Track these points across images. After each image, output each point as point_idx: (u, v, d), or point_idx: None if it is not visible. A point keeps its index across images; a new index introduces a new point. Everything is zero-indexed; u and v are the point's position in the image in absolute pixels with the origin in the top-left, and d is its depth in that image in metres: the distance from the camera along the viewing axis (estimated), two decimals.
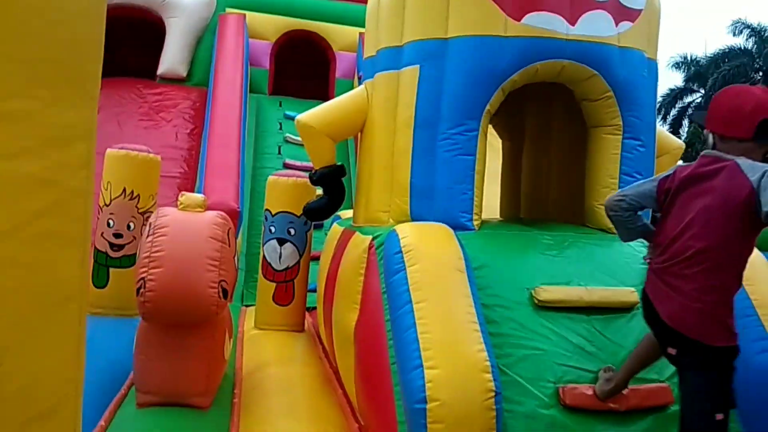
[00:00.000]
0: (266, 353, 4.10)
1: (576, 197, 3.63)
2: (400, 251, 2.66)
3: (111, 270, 4.18)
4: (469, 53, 3.07)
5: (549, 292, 2.78)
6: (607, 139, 3.25)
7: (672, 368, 2.72)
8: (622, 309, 2.85)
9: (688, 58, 35.39)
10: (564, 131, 3.87)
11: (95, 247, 4.29)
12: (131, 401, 2.96)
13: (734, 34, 31.46)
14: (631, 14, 3.14)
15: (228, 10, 8.35)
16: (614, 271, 2.97)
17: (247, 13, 8.37)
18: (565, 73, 3.11)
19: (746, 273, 2.82)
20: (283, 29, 8.63)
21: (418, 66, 3.20)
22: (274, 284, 4.59)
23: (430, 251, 2.68)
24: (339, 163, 3.78)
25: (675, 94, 36.23)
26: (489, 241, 3.06)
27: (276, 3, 8.60)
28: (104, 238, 4.23)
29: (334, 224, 4.39)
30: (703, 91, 34.75)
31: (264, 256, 4.63)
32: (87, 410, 2.94)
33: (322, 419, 3.12)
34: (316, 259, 4.55)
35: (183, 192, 2.97)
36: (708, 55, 34.73)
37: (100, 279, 4.26)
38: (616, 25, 3.09)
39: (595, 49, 3.05)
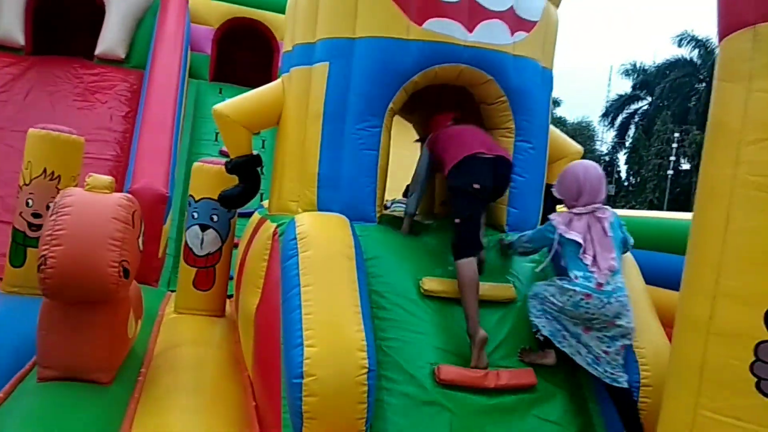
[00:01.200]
0: (181, 335, 4.19)
1: None
2: (295, 238, 2.83)
3: (28, 250, 4.20)
4: (373, 53, 3.25)
5: (435, 283, 3.00)
6: (502, 141, 3.48)
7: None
8: (501, 302, 3.10)
9: (637, 67, 36.62)
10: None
11: (14, 227, 4.31)
12: (34, 377, 3.03)
13: (679, 45, 32.70)
14: (526, 25, 3.37)
15: None
16: (497, 267, 3.22)
17: None
18: (462, 76, 3.32)
19: None
20: (226, 15, 8.65)
21: (328, 63, 3.36)
22: (195, 269, 4.67)
23: (322, 239, 2.86)
24: (255, 153, 3.90)
25: (623, 101, 37.42)
26: (387, 233, 3.26)
27: None
28: (23, 217, 4.26)
29: (255, 212, 4.52)
30: (650, 99, 36.04)
31: (186, 242, 4.71)
32: None
33: (223, 397, 3.25)
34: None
35: (90, 173, 3.04)
36: (656, 64, 36.00)
37: (17, 258, 4.28)
38: (512, 34, 3.32)
39: (490, 55, 3.28)
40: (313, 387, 2.42)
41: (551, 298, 2.94)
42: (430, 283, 3.00)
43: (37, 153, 4.25)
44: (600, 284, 2.83)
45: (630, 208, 30.13)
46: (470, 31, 3.22)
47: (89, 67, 7.70)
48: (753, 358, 1.85)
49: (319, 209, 3.35)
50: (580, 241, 2.90)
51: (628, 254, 3.34)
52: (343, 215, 3.13)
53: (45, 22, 7.99)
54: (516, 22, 3.33)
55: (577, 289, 2.84)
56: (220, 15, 8.63)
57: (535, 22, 3.40)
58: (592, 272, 2.86)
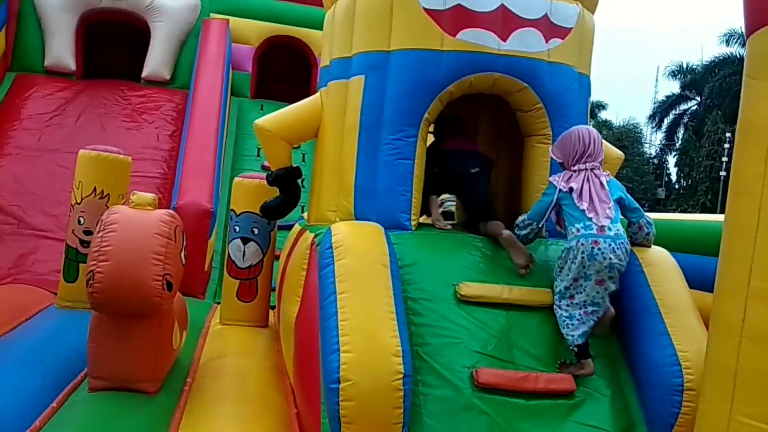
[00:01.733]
0: (226, 346, 4.29)
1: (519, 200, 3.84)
2: (331, 247, 2.88)
3: (80, 265, 4.38)
4: (408, 65, 3.30)
5: (471, 288, 3.00)
6: (538, 147, 3.47)
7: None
8: (539, 307, 3.07)
9: (684, 67, 35.67)
10: (511, 138, 4.09)
11: (66, 243, 4.51)
12: (86, 387, 3.17)
13: (727, 44, 31.73)
14: (561, 32, 3.36)
15: (212, 15, 8.58)
16: (535, 272, 3.19)
17: (231, 18, 8.60)
18: (497, 85, 3.33)
19: (653, 274, 3.06)
20: (265, 34, 8.88)
21: (364, 76, 3.43)
22: (238, 281, 4.78)
23: (357, 247, 2.90)
24: (295, 165, 3.99)
25: (671, 102, 36.48)
26: (422, 240, 3.27)
27: (259, 9, 8.84)
28: (75, 234, 4.45)
29: (296, 224, 4.61)
30: (699, 99, 35.04)
31: (228, 254, 4.83)
32: (51, 397, 3.17)
33: (266, 405, 3.31)
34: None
35: (135, 191, 3.17)
36: (704, 63, 34.99)
37: (70, 274, 4.48)
38: (546, 41, 3.31)
39: (524, 63, 3.28)
40: (350, 392, 2.45)
41: (564, 283, 2.98)
42: (467, 289, 3.00)
43: (88, 173, 4.45)
44: (602, 228, 2.90)
45: (682, 211, 29.28)
46: (504, 40, 3.23)
47: (136, 89, 8.04)
48: None
49: (356, 219, 3.40)
50: (577, 189, 3.00)
51: (669, 256, 3.27)
52: (380, 224, 3.17)
53: (94, 47, 8.37)
54: (550, 29, 3.32)
55: (582, 240, 2.90)
56: (260, 34, 8.86)
57: (570, 29, 3.39)
58: (590, 219, 2.93)
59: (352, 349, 2.52)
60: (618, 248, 2.91)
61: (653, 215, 6.15)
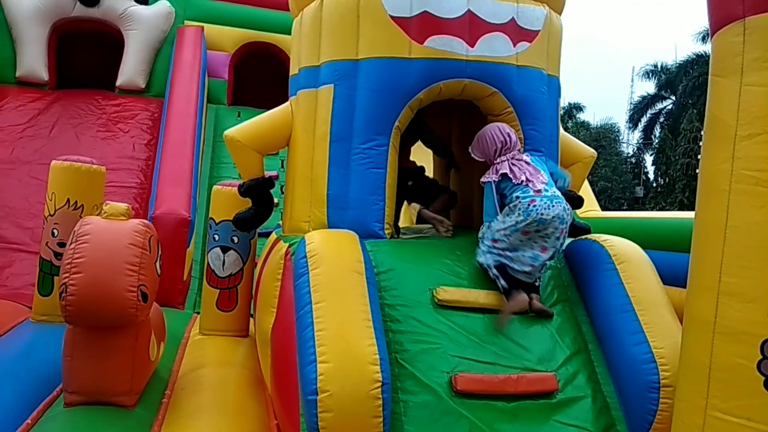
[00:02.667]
0: (205, 356, 4.26)
1: None
2: (305, 256, 2.88)
3: (55, 278, 4.32)
4: (377, 73, 3.32)
5: (448, 293, 3.03)
6: None
7: (559, 360, 2.98)
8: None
9: (659, 66, 36.15)
10: None
11: (40, 256, 4.45)
12: (62, 402, 3.13)
13: (703, 41, 32.21)
14: (528, 35, 3.39)
15: (187, 22, 8.52)
16: None
17: (206, 25, 8.56)
18: (467, 90, 3.36)
19: (626, 271, 3.11)
20: (241, 41, 8.86)
21: (333, 85, 3.43)
22: (218, 290, 4.75)
23: (332, 256, 2.90)
24: (267, 176, 3.97)
25: (646, 102, 36.94)
26: (398, 247, 3.29)
27: (234, 16, 8.82)
28: (49, 247, 4.39)
29: (272, 233, 4.59)
30: (674, 98, 35.55)
31: (208, 263, 4.80)
32: (26, 413, 3.12)
33: (246, 416, 3.30)
34: None
35: (107, 201, 3.14)
36: (677, 62, 35.50)
37: (45, 287, 4.42)
38: (514, 45, 3.35)
39: (493, 68, 3.31)
40: (328, 403, 2.45)
41: (499, 233, 3.17)
42: (444, 293, 3.02)
43: (61, 184, 4.39)
44: (538, 191, 3.13)
45: (660, 209, 29.61)
46: (472, 45, 3.26)
47: (111, 98, 7.96)
48: (760, 357, 1.83)
49: (330, 228, 3.40)
50: (508, 171, 3.21)
51: (642, 252, 3.32)
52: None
53: (67, 56, 8.27)
54: (518, 33, 3.36)
55: (521, 200, 3.11)
56: (235, 41, 8.84)
57: (537, 32, 3.42)
58: (527, 187, 3.15)
59: (329, 359, 2.52)
60: (554, 206, 3.11)
61: (631, 213, 6.22)
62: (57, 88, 7.97)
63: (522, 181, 3.16)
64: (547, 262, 3.20)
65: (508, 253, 3.13)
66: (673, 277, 3.66)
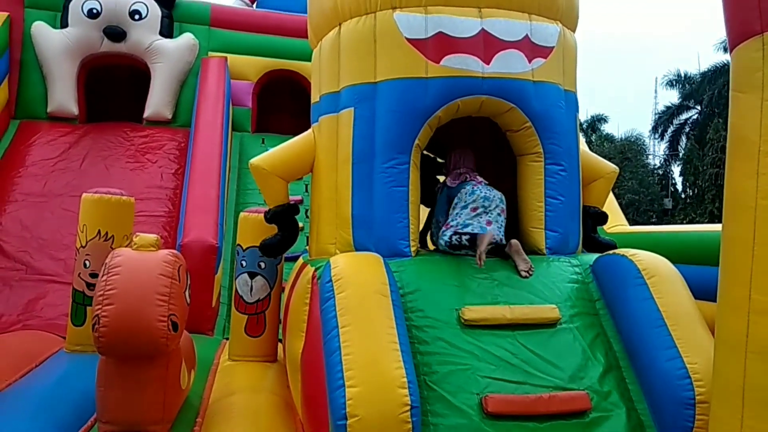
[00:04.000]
0: (235, 383, 4.28)
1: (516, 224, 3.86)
2: (331, 280, 2.90)
3: (88, 309, 4.40)
4: (395, 94, 3.37)
5: (474, 312, 3.01)
6: (532, 165, 3.51)
7: (591, 377, 2.93)
8: (545, 324, 3.07)
9: (682, 76, 35.71)
10: (506, 158, 4.13)
11: (73, 287, 4.54)
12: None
13: (724, 51, 31.80)
14: (543, 51, 3.41)
15: (210, 53, 8.72)
16: (539, 290, 3.20)
17: (229, 55, 8.74)
18: (485, 107, 3.38)
19: (656, 285, 3.06)
20: (263, 69, 9.00)
21: (353, 108, 3.49)
22: (246, 316, 4.79)
23: (357, 279, 2.92)
24: (291, 202, 4.02)
25: (671, 112, 36.47)
26: (423, 266, 3.29)
27: (256, 45, 8.98)
28: (81, 278, 4.48)
29: (300, 257, 4.63)
30: (699, 108, 35.03)
31: (236, 290, 4.85)
32: None
33: None
34: None
35: (138, 233, 3.21)
36: (701, 71, 35.03)
37: (78, 318, 4.50)
38: (529, 62, 3.37)
39: (510, 84, 3.34)
40: (357, 427, 2.45)
41: (450, 218, 3.57)
42: (470, 313, 3.01)
43: (92, 216, 4.49)
44: (481, 182, 3.66)
45: (690, 221, 29.08)
46: (487, 63, 3.29)
47: (139, 129, 8.15)
48: None
49: (355, 249, 3.43)
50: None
51: (671, 265, 3.27)
52: (379, 253, 3.18)
53: (95, 90, 8.51)
54: (532, 49, 3.38)
55: (468, 188, 3.59)
56: (258, 69, 8.99)
57: (551, 48, 3.44)
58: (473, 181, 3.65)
59: (358, 383, 2.52)
60: (493, 191, 3.57)
61: (659, 228, 6.13)
62: (87, 121, 8.20)
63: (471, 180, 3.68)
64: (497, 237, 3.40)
65: (460, 229, 3.45)
66: (704, 291, 3.59)
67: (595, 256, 3.51)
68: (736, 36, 2.01)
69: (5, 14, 7.85)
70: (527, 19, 3.39)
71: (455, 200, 3.60)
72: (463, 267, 3.30)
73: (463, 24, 3.28)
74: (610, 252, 3.49)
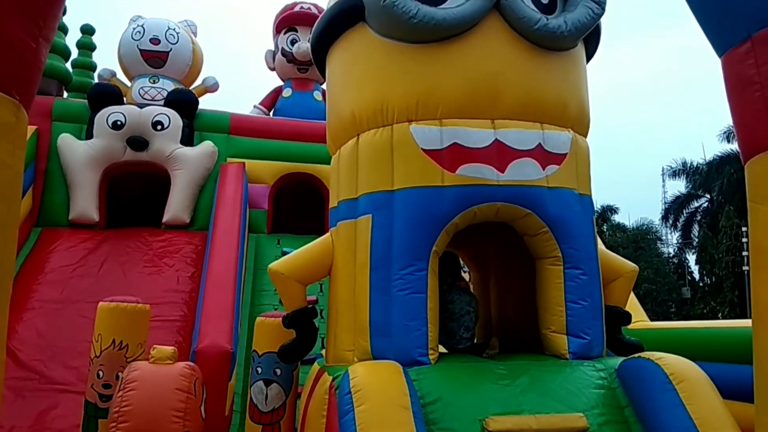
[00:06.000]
0: None
1: (535, 323, 3.81)
2: (350, 392, 2.83)
3: (100, 421, 4.30)
4: (412, 202, 3.43)
5: (499, 423, 2.91)
6: (551, 269, 3.50)
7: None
8: None
9: (687, 165, 36.17)
10: (521, 261, 4.13)
11: (85, 398, 4.46)
12: None
13: (728, 141, 32.41)
14: (556, 158, 3.50)
15: (229, 159, 9.00)
16: (565, 397, 3.10)
17: (247, 161, 9.02)
18: (501, 213, 3.43)
19: (685, 391, 2.96)
20: (279, 173, 9.25)
21: (371, 215, 3.55)
22: (261, 426, 4.64)
23: (376, 391, 2.85)
24: (309, 306, 4.01)
25: (681, 201, 36.65)
26: (444, 374, 3.22)
27: (273, 150, 9.28)
28: (94, 389, 4.40)
29: (315, 362, 4.55)
30: (708, 196, 35.21)
31: (251, 398, 4.73)
32: None
33: None
34: None
35: (155, 346, 3.19)
36: (706, 160, 35.49)
37: (89, 430, 4.39)
38: (543, 168, 3.45)
39: (525, 191, 3.40)
40: None
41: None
42: (495, 424, 2.91)
43: (107, 325, 4.48)
44: None
45: (710, 309, 28.43)
46: (502, 171, 3.37)
47: (157, 234, 8.28)
48: None
49: (374, 357, 3.37)
50: None
51: (698, 369, 3.17)
52: (397, 361, 3.12)
53: (116, 196, 8.75)
54: (546, 157, 3.47)
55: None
56: (274, 173, 9.23)
57: (564, 155, 3.53)
58: None
59: None
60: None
61: (682, 323, 6.00)
62: (106, 227, 8.36)
63: None
64: None
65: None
66: (731, 390, 3.47)
67: (620, 359, 3.43)
68: (750, 149, 2.06)
69: (34, 128, 8.22)
70: (539, 128, 3.50)
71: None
72: (484, 373, 3.23)
73: (477, 135, 3.39)
74: (636, 355, 3.41)
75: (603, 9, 3.68)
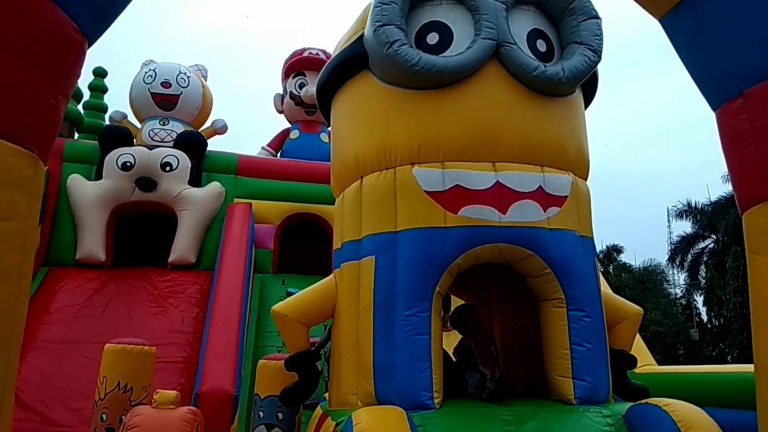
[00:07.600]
0: None
1: (541, 365, 3.78)
2: None
3: None
4: (415, 243, 3.46)
5: None
6: (554, 311, 3.50)
7: None
8: None
9: (692, 206, 36.10)
10: (526, 303, 4.12)
11: None
12: None
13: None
14: (557, 200, 3.54)
15: (236, 200, 9.08)
16: None
17: (254, 201, 9.10)
18: (503, 254, 3.45)
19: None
20: (285, 213, 9.31)
21: (374, 256, 3.57)
22: None
23: None
24: (312, 348, 4.00)
25: (687, 242, 36.46)
26: (449, 420, 3.18)
27: (279, 191, 9.37)
28: None
29: (318, 406, 4.51)
30: (714, 236, 35.04)
31: None
32: None
33: None
34: None
35: (158, 390, 3.18)
36: (711, 200, 35.43)
37: None
38: (544, 210, 3.48)
39: (526, 232, 3.42)
40: None
41: None
42: None
43: (113, 367, 4.47)
44: None
45: (719, 352, 28.00)
46: (503, 212, 3.40)
47: (162, 274, 8.28)
48: None
49: (378, 400, 3.34)
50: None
51: (706, 415, 3.12)
52: (401, 406, 3.10)
53: (122, 235, 8.79)
54: (546, 199, 3.50)
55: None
56: (280, 213, 9.30)
57: (565, 197, 3.57)
58: None
59: None
60: None
61: (689, 368, 5.93)
62: (113, 266, 8.38)
63: None
64: None
65: None
66: None
67: (627, 405, 3.38)
68: (746, 201, 2.09)
69: (44, 168, 8.32)
70: (540, 171, 3.55)
71: None
72: (491, 419, 3.19)
73: (479, 177, 3.43)
74: (644, 401, 3.36)
75: (599, 56, 3.76)
